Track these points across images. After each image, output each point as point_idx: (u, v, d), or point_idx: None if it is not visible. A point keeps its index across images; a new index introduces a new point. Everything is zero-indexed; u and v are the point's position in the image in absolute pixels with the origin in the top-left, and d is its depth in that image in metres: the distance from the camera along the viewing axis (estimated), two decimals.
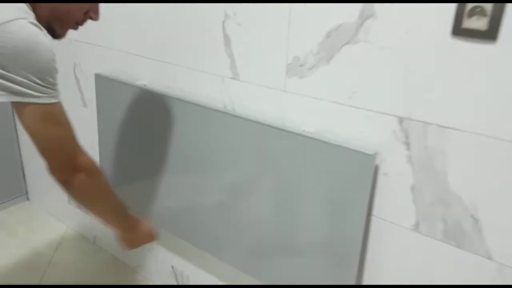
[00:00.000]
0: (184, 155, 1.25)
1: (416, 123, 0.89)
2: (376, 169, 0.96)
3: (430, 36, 0.82)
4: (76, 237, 1.91)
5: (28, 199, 2.15)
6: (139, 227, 1.13)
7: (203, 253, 1.35)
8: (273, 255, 1.15)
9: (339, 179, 0.97)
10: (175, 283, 1.56)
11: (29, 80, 0.77)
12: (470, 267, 0.90)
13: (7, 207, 2.08)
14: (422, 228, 0.94)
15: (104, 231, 1.74)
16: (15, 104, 0.81)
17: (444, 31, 0.80)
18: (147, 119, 1.31)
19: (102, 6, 0.95)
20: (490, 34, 0.76)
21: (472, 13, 0.77)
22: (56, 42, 0.89)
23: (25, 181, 2.12)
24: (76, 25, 0.93)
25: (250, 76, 1.12)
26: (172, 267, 1.54)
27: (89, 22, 0.95)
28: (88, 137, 1.58)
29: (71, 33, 0.94)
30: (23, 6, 0.79)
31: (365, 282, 1.06)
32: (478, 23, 0.77)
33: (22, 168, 2.10)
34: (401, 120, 0.90)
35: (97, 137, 1.50)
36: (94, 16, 0.93)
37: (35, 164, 2.01)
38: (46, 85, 0.80)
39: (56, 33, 0.90)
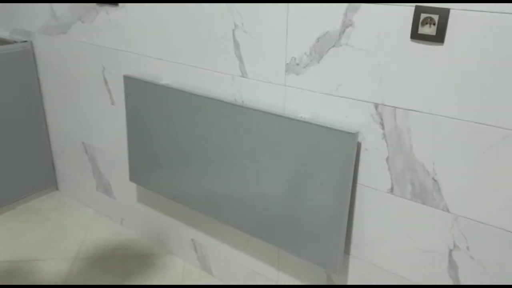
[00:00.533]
0: (202, 141, 1.50)
1: (388, 108, 1.13)
2: (358, 146, 1.21)
3: (395, 40, 1.07)
4: (104, 219, 2.16)
5: (57, 189, 2.41)
6: None
7: (218, 227, 1.60)
8: (278, 221, 1.40)
9: (329, 154, 1.22)
10: (194, 254, 1.82)
11: None
12: (434, 219, 1.15)
13: (39, 196, 2.34)
14: (396, 191, 1.19)
15: (130, 214, 2.00)
16: None
17: (405, 36, 1.05)
18: (170, 113, 1.56)
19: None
20: (438, 38, 1.01)
21: (424, 22, 1.02)
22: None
23: (55, 173, 2.38)
24: None
25: (256, 74, 1.37)
26: (192, 240, 1.80)
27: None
28: (117, 130, 1.84)
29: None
30: None
31: (353, 237, 1.31)
32: (429, 29, 1.02)
33: (52, 162, 2.35)
34: (376, 106, 1.15)
35: (125, 129, 1.75)
36: None
37: (63, 158, 2.27)
38: None
39: None
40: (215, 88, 1.47)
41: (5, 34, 2.22)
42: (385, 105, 1.14)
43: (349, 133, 1.16)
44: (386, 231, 1.24)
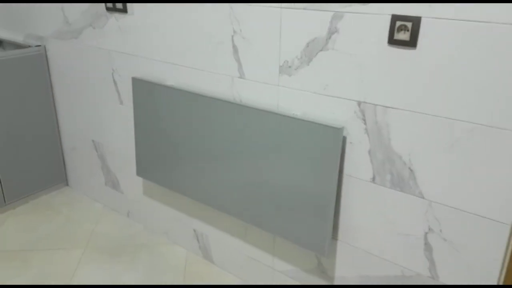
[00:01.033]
0: (203, 137, 1.63)
1: (369, 105, 1.27)
2: (344, 139, 1.34)
3: (375, 44, 1.21)
4: (112, 213, 2.30)
5: (67, 185, 2.55)
6: None
7: (219, 217, 1.73)
8: (273, 210, 1.53)
9: (318, 147, 1.35)
10: (197, 244, 1.95)
11: None
12: (411, 205, 1.28)
13: (50, 192, 2.48)
14: (377, 180, 1.32)
15: (136, 207, 2.14)
16: None
17: (383, 41, 1.19)
18: (174, 112, 1.70)
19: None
20: (411, 43, 1.15)
21: (400, 29, 1.15)
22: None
23: (65, 170, 2.52)
24: None
25: (253, 75, 1.50)
26: (194, 230, 1.93)
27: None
28: (125, 128, 1.98)
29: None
30: None
31: (340, 223, 1.44)
32: (404, 35, 1.15)
33: (63, 159, 2.50)
34: (359, 103, 1.29)
35: (132, 127, 1.89)
36: None
37: (74, 156, 2.41)
38: None
39: None
40: (216, 88, 1.61)
41: (19, 39, 2.37)
42: (366, 102, 1.27)
43: (335, 128, 1.30)
44: (369, 217, 1.37)
